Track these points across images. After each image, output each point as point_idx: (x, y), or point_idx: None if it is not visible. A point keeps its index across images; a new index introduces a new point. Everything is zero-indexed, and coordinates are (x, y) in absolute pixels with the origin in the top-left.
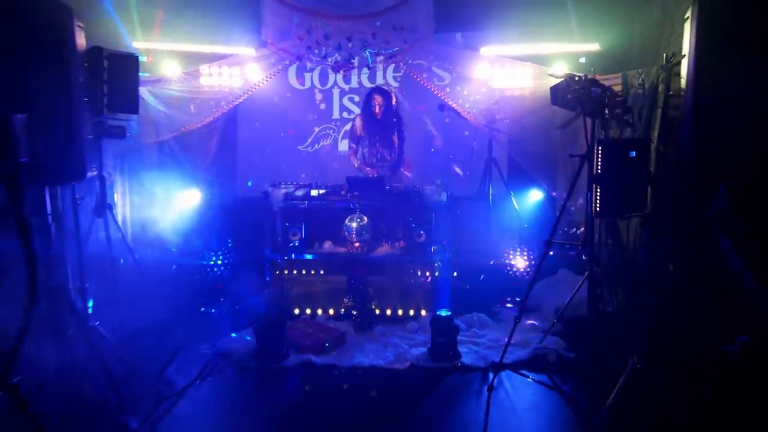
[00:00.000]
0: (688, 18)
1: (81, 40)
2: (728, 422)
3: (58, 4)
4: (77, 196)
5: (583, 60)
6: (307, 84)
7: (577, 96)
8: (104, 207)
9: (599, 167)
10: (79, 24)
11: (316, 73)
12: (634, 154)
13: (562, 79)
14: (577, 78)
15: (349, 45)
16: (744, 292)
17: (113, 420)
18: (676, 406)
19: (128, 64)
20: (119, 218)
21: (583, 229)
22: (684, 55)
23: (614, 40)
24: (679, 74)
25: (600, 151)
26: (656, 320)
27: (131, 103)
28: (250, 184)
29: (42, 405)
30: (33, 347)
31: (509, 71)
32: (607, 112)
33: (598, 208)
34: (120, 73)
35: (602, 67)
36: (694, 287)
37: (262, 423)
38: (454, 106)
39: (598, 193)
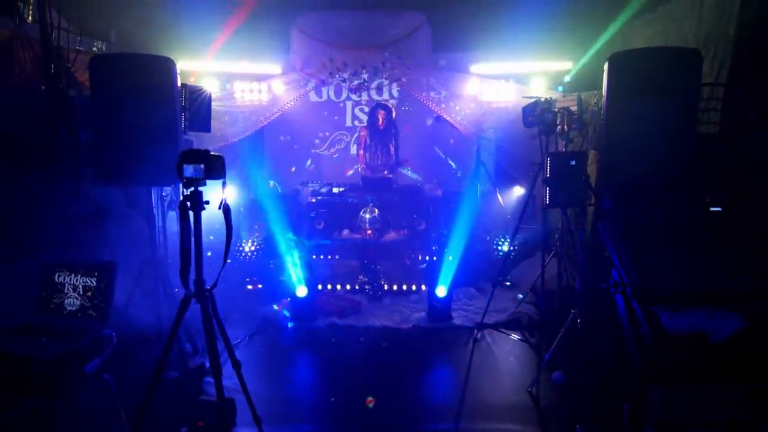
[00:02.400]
0: (605, 70)
1: (179, 82)
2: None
3: (167, 59)
4: (164, 194)
5: (568, 78)
6: (324, 97)
7: (536, 119)
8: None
9: (548, 172)
10: (178, 71)
11: (332, 88)
12: (574, 162)
13: (531, 101)
14: (543, 100)
15: (363, 71)
16: (614, 249)
17: (193, 360)
18: (601, 339)
19: (200, 94)
20: None
21: None
22: (604, 94)
23: (586, 61)
24: None
25: (548, 161)
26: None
27: (205, 123)
28: (272, 183)
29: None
30: (136, 305)
31: (495, 87)
32: (566, 128)
33: (547, 202)
34: (195, 100)
35: (590, 85)
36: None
37: (301, 362)
38: (448, 118)
39: (547, 191)
